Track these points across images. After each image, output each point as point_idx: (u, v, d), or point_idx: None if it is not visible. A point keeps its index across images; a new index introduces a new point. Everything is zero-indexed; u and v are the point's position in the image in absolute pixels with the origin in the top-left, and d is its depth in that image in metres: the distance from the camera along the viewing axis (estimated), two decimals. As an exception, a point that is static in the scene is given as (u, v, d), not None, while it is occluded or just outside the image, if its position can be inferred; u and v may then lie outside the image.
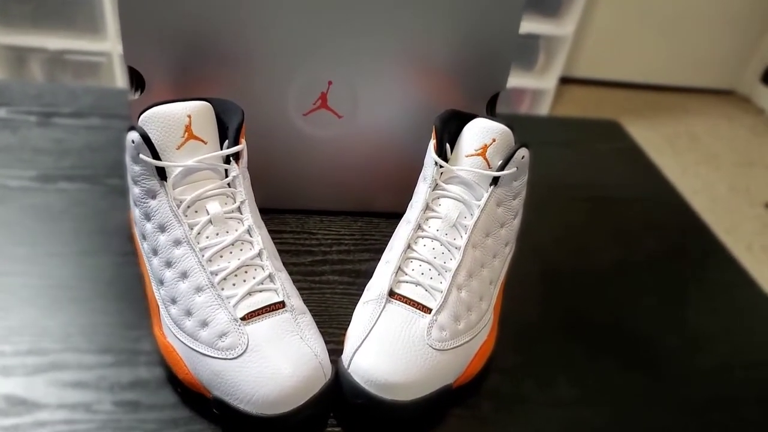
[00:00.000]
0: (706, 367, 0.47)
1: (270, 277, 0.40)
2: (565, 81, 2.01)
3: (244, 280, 0.39)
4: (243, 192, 0.42)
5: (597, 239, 0.60)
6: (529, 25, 1.73)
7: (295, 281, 0.48)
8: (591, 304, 0.52)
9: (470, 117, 0.46)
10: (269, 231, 0.44)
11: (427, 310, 0.40)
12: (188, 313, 0.38)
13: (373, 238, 0.55)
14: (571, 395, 0.43)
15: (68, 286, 0.46)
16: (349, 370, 0.37)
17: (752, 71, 2.26)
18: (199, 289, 0.38)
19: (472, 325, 0.41)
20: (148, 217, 0.40)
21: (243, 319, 0.37)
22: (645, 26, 2.10)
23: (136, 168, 0.40)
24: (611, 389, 0.44)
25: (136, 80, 0.49)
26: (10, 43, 1.59)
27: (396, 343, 0.38)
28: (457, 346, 0.39)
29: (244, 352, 0.36)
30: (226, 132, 0.43)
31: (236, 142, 0.42)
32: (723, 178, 1.77)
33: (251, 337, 0.36)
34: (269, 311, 0.38)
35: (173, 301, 0.39)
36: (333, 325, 0.45)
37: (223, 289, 0.38)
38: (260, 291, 0.39)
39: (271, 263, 0.40)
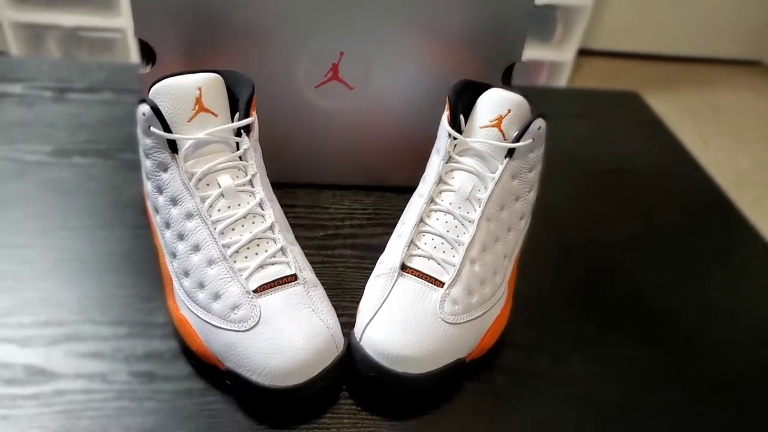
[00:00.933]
0: (724, 344, 0.46)
1: (282, 250, 0.39)
2: (584, 53, 1.96)
3: (256, 253, 0.39)
4: (254, 165, 0.41)
5: (614, 213, 0.59)
6: (547, -5, 1.68)
7: (307, 255, 0.48)
8: (607, 278, 0.51)
9: (485, 87, 0.45)
10: (281, 205, 0.44)
11: (439, 283, 0.39)
12: (201, 286, 0.38)
13: (385, 212, 0.55)
14: (585, 371, 0.43)
15: (83, 259, 0.46)
16: (361, 343, 0.37)
17: (780, 41, 2.18)
18: (211, 262, 0.38)
19: (485, 299, 0.40)
20: (160, 190, 0.40)
21: (255, 291, 0.37)
22: (667, -5, 2.04)
23: (148, 141, 0.40)
24: (626, 365, 0.44)
25: (147, 53, 0.48)
26: (27, 21, 1.60)
27: (408, 316, 0.38)
28: (470, 320, 0.39)
29: (257, 324, 0.36)
30: (237, 105, 0.42)
31: (247, 115, 0.42)
32: (747, 151, 1.72)
33: (263, 310, 0.36)
34: (281, 284, 0.38)
35: (186, 274, 0.39)
36: (346, 299, 0.45)
37: (235, 261, 0.38)
38: (272, 264, 0.39)
39: (283, 236, 0.40)
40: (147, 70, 0.48)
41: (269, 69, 0.49)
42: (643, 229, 0.57)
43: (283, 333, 0.36)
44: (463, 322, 0.39)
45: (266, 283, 0.38)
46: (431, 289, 0.39)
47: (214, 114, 0.40)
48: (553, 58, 1.82)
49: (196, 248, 0.38)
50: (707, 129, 1.80)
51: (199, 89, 0.40)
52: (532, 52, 1.78)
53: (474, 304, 0.40)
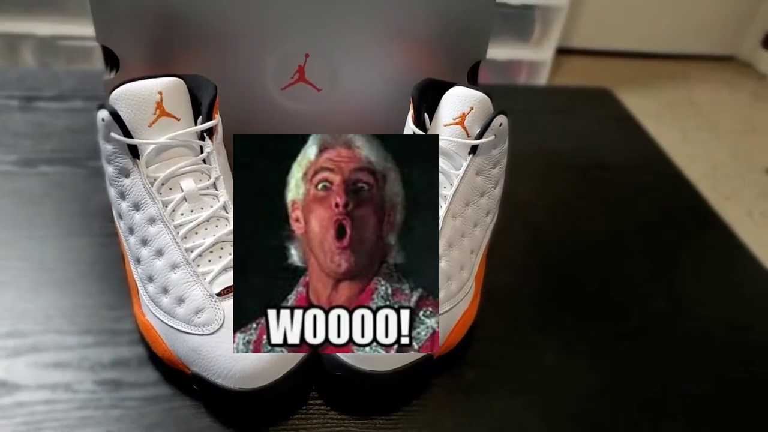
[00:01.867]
0: (693, 331, 0.47)
1: None
2: (563, 52, 1.98)
3: (220, 257, 0.38)
4: (218, 168, 0.41)
5: (587, 207, 0.59)
6: (523, -5, 1.70)
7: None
8: (580, 271, 0.51)
9: (448, 86, 0.45)
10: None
11: (405, 281, 0.39)
12: (165, 291, 0.38)
13: (357, 212, 0.55)
14: (558, 363, 0.43)
15: (49, 268, 0.46)
16: (328, 344, 0.37)
17: (753, 36, 2.22)
18: (174, 267, 0.38)
19: (452, 295, 0.41)
20: (122, 195, 0.40)
21: (219, 294, 0.37)
22: (643, -8, 2.06)
23: (109, 147, 0.40)
24: (599, 355, 0.44)
25: (111, 59, 0.48)
26: (1, 30, 1.58)
27: (374, 314, 0.38)
28: (437, 316, 0.39)
29: (221, 327, 0.36)
30: (200, 108, 0.42)
31: (209, 118, 0.41)
32: (724, 145, 1.75)
33: (227, 313, 0.36)
34: None
35: (150, 279, 0.39)
36: (316, 300, 0.45)
37: (198, 265, 0.38)
38: (236, 267, 0.38)
39: None
40: (111, 76, 0.48)
41: (235, 72, 0.48)
42: (615, 223, 0.57)
43: None
44: (430, 319, 0.39)
45: (230, 287, 0.37)
46: (397, 287, 0.39)
47: (176, 118, 0.40)
48: (532, 57, 1.83)
49: (160, 253, 0.38)
50: (686, 123, 1.83)
51: (160, 93, 0.40)
52: (510, 52, 1.79)
53: (441, 299, 0.40)
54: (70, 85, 0.68)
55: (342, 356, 0.36)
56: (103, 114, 0.39)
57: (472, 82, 0.52)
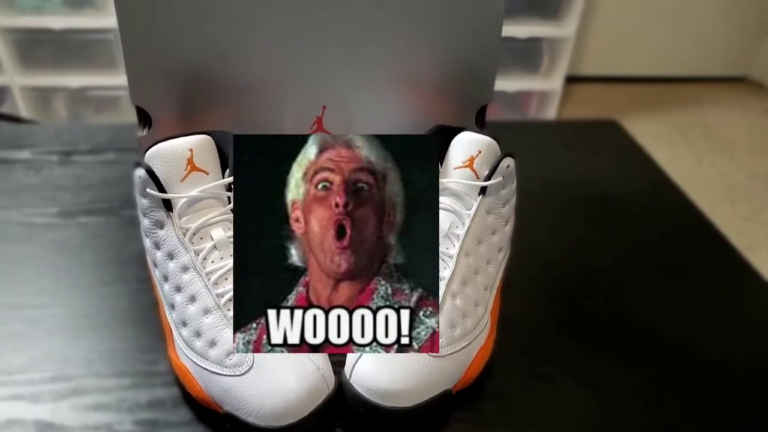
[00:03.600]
0: (708, 360, 0.48)
1: None
2: (572, 80, 2.01)
3: None
4: (244, 217, 0.44)
5: (597, 238, 0.61)
6: (530, 29, 1.74)
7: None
8: (592, 301, 0.53)
9: (457, 131, 0.48)
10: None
11: (423, 318, 0.41)
12: (198, 334, 0.40)
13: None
14: (575, 393, 0.44)
15: (89, 315, 0.49)
16: (351, 381, 0.39)
17: (764, 56, 2.23)
18: (206, 311, 0.40)
19: (468, 331, 0.43)
20: (157, 246, 0.43)
21: (248, 337, 0.39)
22: (648, 18, 2.09)
23: (144, 201, 0.43)
24: (615, 386, 0.45)
25: (144, 118, 0.52)
26: (35, 84, 1.67)
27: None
28: (454, 352, 0.41)
29: (251, 368, 0.38)
30: (227, 161, 0.45)
31: (236, 171, 0.45)
32: (739, 166, 1.75)
33: (256, 354, 0.39)
34: None
35: (184, 324, 0.41)
36: (338, 338, 0.47)
37: (229, 310, 0.40)
38: (264, 310, 0.41)
39: None
40: (144, 133, 0.52)
41: (258, 124, 0.52)
42: (626, 253, 0.59)
43: (276, 375, 0.38)
44: (448, 355, 0.41)
45: None
46: (415, 325, 0.41)
47: (205, 172, 0.44)
48: (541, 87, 1.87)
49: (193, 299, 0.41)
50: (699, 147, 1.83)
51: (191, 150, 0.43)
52: (520, 83, 1.83)
53: (457, 336, 0.42)
54: (104, 139, 0.72)
55: (365, 394, 0.38)
56: (139, 172, 0.42)
57: (480, 124, 0.55)
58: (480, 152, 0.45)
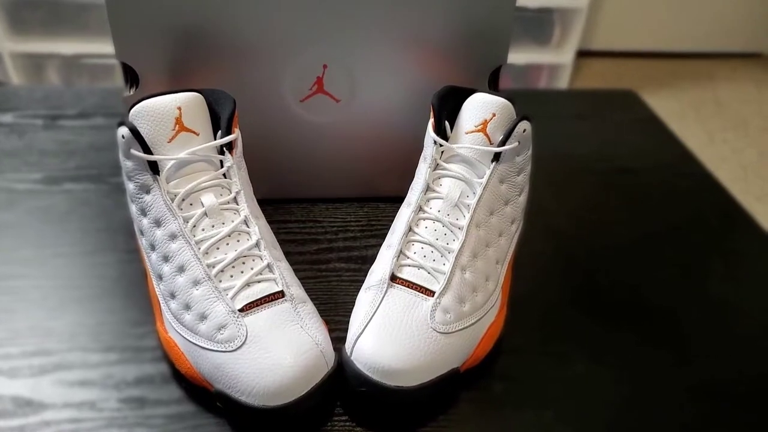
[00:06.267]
0: (729, 341, 0.45)
1: (269, 267, 0.39)
2: (583, 54, 1.95)
3: (242, 272, 0.38)
4: (238, 182, 0.41)
5: (614, 212, 0.57)
6: (541, -1, 1.68)
7: (300, 270, 0.48)
8: (608, 279, 0.50)
9: (469, 92, 0.44)
10: (273, 221, 0.43)
11: (429, 293, 0.38)
12: (187, 307, 0.37)
13: (379, 223, 0.54)
14: (588, 372, 0.42)
15: (75, 285, 0.46)
16: (351, 358, 0.37)
17: (781, 31, 2.16)
18: (196, 283, 0.37)
19: (478, 307, 0.40)
20: (143, 212, 0.40)
21: (241, 310, 0.36)
22: (664, -9, 2.03)
23: (129, 163, 0.40)
24: (632, 364, 0.42)
25: (131, 76, 0.48)
26: (26, 51, 1.62)
27: (398, 327, 0.37)
28: (463, 329, 0.38)
29: (243, 343, 0.35)
30: (219, 122, 0.42)
31: (229, 132, 0.41)
32: (752, 144, 1.70)
33: (250, 329, 0.36)
34: (268, 301, 0.37)
35: (172, 296, 0.38)
36: (339, 313, 0.44)
37: (220, 281, 0.37)
38: (258, 282, 0.38)
39: (269, 253, 0.39)
40: (131, 93, 0.48)
41: (253, 85, 0.48)
42: (643, 229, 0.56)
43: (271, 351, 0.35)
44: (456, 331, 0.38)
45: (252, 302, 0.37)
46: (421, 299, 0.38)
47: (195, 133, 0.40)
48: (552, 60, 1.81)
49: (181, 269, 0.38)
50: (711, 124, 1.78)
51: (179, 109, 0.39)
52: (530, 56, 1.77)
53: (466, 312, 0.39)
54: (93, 103, 0.68)
55: (367, 372, 0.36)
56: (122, 131, 0.39)
57: (494, 87, 0.51)
58: (494, 115, 0.42)
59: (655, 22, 2.09)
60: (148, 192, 0.39)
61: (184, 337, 0.37)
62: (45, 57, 1.64)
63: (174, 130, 0.39)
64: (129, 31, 0.45)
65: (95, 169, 0.58)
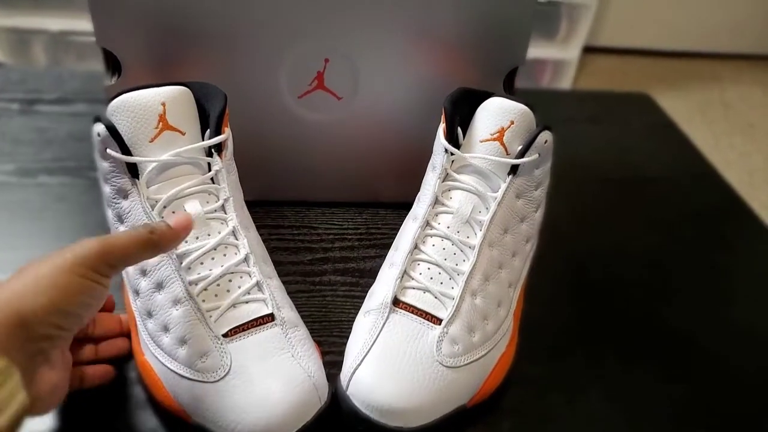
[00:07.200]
0: (757, 372, 0.42)
1: (258, 285, 0.35)
2: (589, 50, 1.91)
3: (228, 290, 0.34)
4: (227, 188, 0.37)
5: (630, 227, 0.54)
6: (549, -9, 1.63)
7: (292, 283, 0.44)
8: (625, 301, 0.46)
9: (485, 96, 0.40)
10: (265, 226, 0.39)
11: (436, 320, 0.35)
12: (165, 329, 0.33)
13: (379, 231, 0.50)
14: (604, 410, 0.38)
15: (44, 293, 0.42)
16: (348, 392, 0.33)
17: (789, 34, 2.12)
18: (176, 302, 0.33)
19: (488, 336, 0.36)
20: (120, 219, 0.36)
21: (225, 336, 0.33)
22: (673, -11, 1.98)
23: (105, 165, 0.35)
24: (649, 402, 0.39)
25: (113, 63, 0.44)
26: (11, 25, 1.55)
27: (400, 360, 0.33)
28: (472, 362, 0.35)
29: (227, 374, 0.32)
30: (208, 120, 0.38)
31: (218, 132, 0.37)
32: (759, 149, 1.67)
33: (235, 357, 0.32)
34: (256, 326, 0.33)
35: (149, 315, 0.34)
36: (334, 333, 0.41)
37: (203, 301, 0.33)
38: (246, 302, 0.34)
39: (259, 269, 0.35)
40: (113, 82, 0.44)
41: (247, 78, 0.44)
42: (662, 244, 0.52)
43: (258, 384, 0.31)
44: (464, 365, 0.34)
45: (239, 326, 0.33)
46: (427, 327, 0.34)
47: (180, 132, 0.36)
48: (557, 56, 1.76)
49: (160, 286, 0.34)
50: (718, 126, 1.75)
51: (163, 104, 0.35)
52: (535, 51, 1.72)
53: (476, 342, 0.35)
54: (74, 87, 0.64)
55: (364, 410, 0.32)
56: (98, 128, 0.34)
57: (509, 90, 0.47)
58: (512, 123, 0.38)
59: (663, 20, 2.04)
60: (125, 197, 0.35)
61: (162, 362, 0.33)
62: (31, 32, 1.58)
63: (157, 128, 0.35)
64: (111, 13, 0.41)
65: (73, 161, 0.54)
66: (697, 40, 2.10)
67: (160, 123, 0.35)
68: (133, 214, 0.35)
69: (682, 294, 0.47)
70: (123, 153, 0.34)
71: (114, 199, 0.36)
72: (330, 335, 0.40)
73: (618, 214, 0.55)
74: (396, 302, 0.35)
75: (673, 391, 0.40)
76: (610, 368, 0.41)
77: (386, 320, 0.35)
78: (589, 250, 0.51)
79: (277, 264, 0.39)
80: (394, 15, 0.42)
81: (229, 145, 0.39)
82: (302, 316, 0.41)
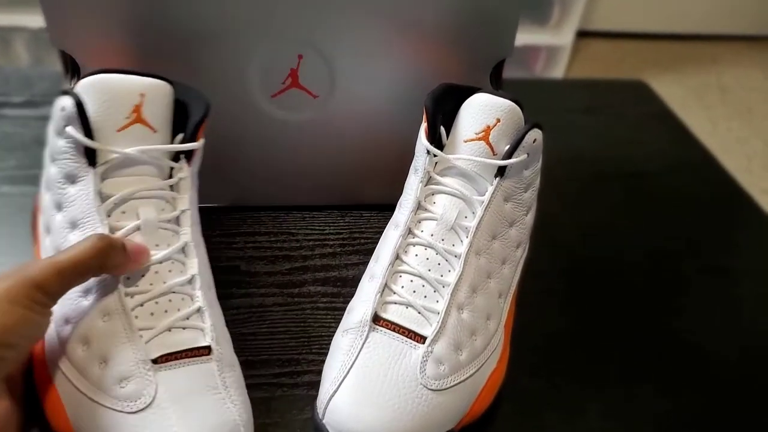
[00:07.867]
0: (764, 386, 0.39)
1: (199, 312, 0.32)
2: (583, 35, 1.87)
3: (166, 311, 0.31)
4: (187, 200, 0.34)
5: (629, 225, 0.51)
6: (542, -24, 1.59)
7: (268, 295, 0.41)
8: (624, 308, 0.44)
9: (469, 92, 0.37)
10: (241, 233, 0.36)
11: (420, 338, 0.32)
12: (85, 341, 0.29)
13: (363, 236, 0.47)
14: (604, 428, 0.36)
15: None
16: (324, 421, 0.30)
17: (787, 14, 2.08)
18: (105, 313, 0.30)
19: (477, 353, 0.33)
20: (59, 206, 0.32)
21: (155, 361, 0.29)
22: (668, -30, 1.94)
23: (60, 143, 0.32)
24: (653, 420, 0.37)
25: (71, 66, 0.41)
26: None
27: (381, 384, 0.30)
28: (459, 383, 0.32)
29: (149, 405, 0.28)
30: (182, 123, 0.35)
31: (193, 139, 0.34)
32: (758, 134, 1.64)
33: (161, 388, 0.29)
34: (190, 356, 0.30)
35: (67, 321, 0.30)
36: (313, 349, 0.38)
37: (137, 317, 0.30)
38: (183, 329, 0.31)
39: (203, 295, 0.32)
40: (72, 85, 0.41)
41: (216, 77, 0.41)
42: (662, 244, 0.49)
43: (180, 421, 0.28)
44: (451, 386, 0.32)
45: (171, 353, 0.30)
46: (410, 347, 0.32)
47: (152, 129, 0.33)
48: (550, 42, 1.72)
49: (89, 291, 0.30)
50: (715, 111, 1.72)
51: (142, 95, 0.32)
52: (527, 37, 1.68)
53: (463, 361, 0.32)
54: (43, 89, 0.60)
55: (341, 441, 0.29)
56: (65, 102, 0.31)
57: (495, 84, 0.44)
58: (498, 121, 0.35)
59: (658, 2, 2.00)
60: (73, 182, 0.32)
61: (69, 379, 0.29)
62: (10, 30, 1.54)
63: (128, 118, 0.32)
64: (65, 12, 0.38)
65: (39, 169, 0.50)
66: (693, 22, 2.06)
67: (134, 114, 0.32)
68: (77, 204, 0.31)
69: (688, 301, 0.45)
70: (85, 135, 0.31)
71: (59, 182, 0.32)
72: (309, 352, 0.38)
73: (615, 213, 0.52)
74: (376, 319, 0.33)
75: (676, 405, 0.37)
76: (610, 384, 0.38)
77: (365, 340, 0.32)
78: (585, 253, 0.48)
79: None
80: (372, 7, 0.39)
81: (199, 156, 0.36)
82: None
